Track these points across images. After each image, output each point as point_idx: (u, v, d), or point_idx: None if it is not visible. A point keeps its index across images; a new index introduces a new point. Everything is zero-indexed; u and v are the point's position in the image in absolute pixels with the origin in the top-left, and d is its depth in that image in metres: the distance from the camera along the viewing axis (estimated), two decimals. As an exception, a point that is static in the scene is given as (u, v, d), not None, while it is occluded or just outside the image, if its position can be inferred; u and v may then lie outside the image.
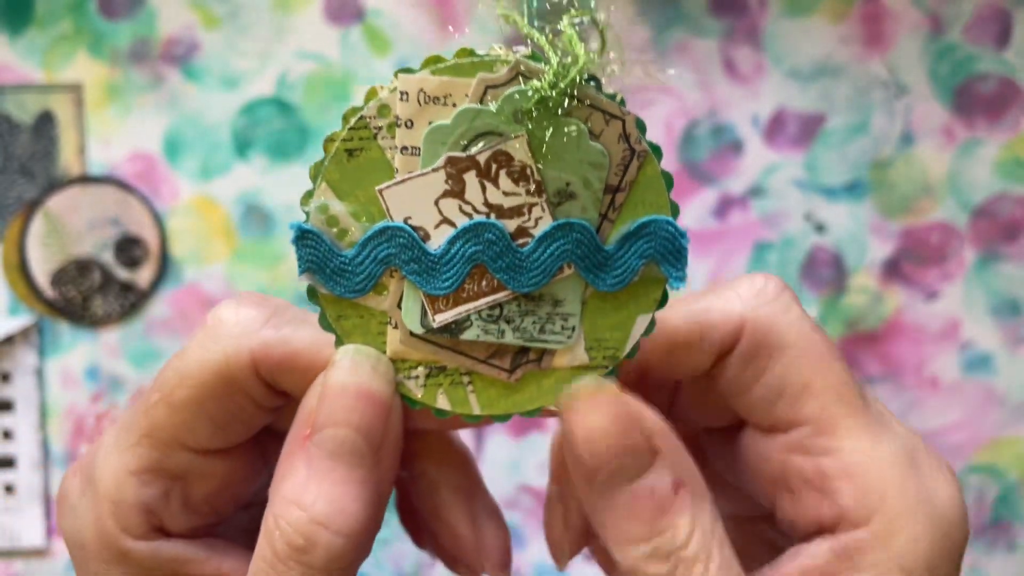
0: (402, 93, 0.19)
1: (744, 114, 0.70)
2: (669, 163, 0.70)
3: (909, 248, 0.70)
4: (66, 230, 0.70)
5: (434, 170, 0.20)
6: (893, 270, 0.70)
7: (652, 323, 0.21)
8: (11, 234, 0.70)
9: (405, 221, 0.20)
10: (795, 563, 0.21)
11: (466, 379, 0.22)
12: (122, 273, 0.70)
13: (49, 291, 0.70)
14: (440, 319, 0.21)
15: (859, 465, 0.21)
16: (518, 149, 0.19)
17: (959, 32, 0.70)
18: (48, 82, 0.70)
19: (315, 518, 0.20)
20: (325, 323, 0.22)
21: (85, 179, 0.70)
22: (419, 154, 0.20)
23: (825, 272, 0.70)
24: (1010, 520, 0.71)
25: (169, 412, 0.23)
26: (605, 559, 0.26)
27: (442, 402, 0.22)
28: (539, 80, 0.19)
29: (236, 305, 0.25)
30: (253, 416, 0.24)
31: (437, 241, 0.21)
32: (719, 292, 0.23)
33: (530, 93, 0.18)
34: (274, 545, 0.20)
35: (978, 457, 0.71)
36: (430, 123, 0.19)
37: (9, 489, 0.70)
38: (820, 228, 0.70)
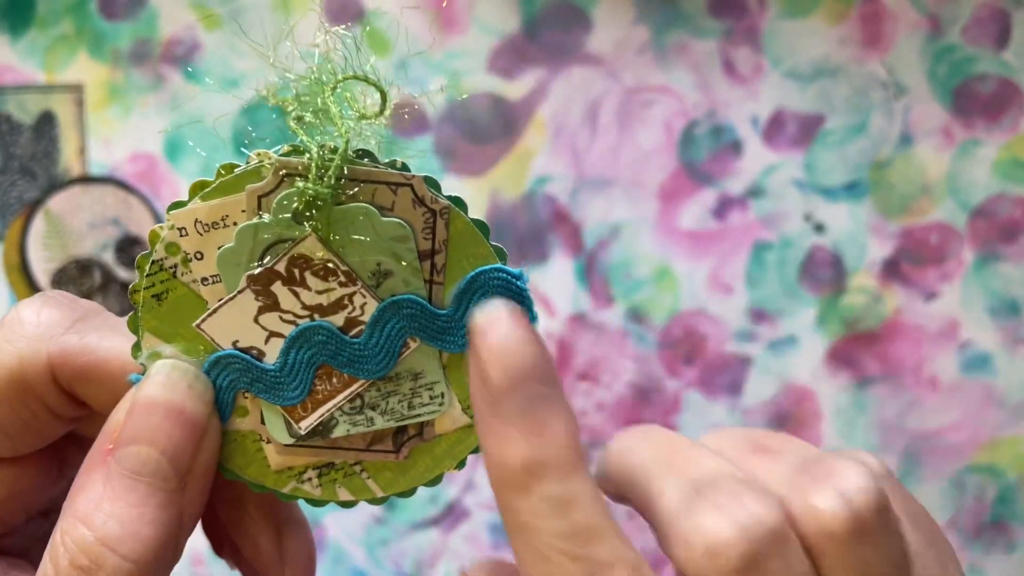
0: (179, 229, 0.19)
1: (743, 115, 0.70)
2: (669, 164, 0.71)
3: (908, 248, 0.71)
4: (67, 230, 0.70)
5: (240, 292, 0.19)
6: (892, 270, 0.71)
7: None
8: (12, 234, 0.70)
9: (234, 345, 0.20)
10: None
11: (358, 468, 0.22)
12: (123, 273, 0.70)
13: (50, 291, 0.70)
14: (305, 425, 0.21)
15: None
16: (311, 248, 0.19)
17: (958, 33, 0.70)
18: (49, 82, 0.70)
19: (104, 539, 0.19)
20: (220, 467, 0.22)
21: (86, 179, 0.70)
22: (220, 280, 0.20)
23: (824, 272, 0.71)
24: (1009, 520, 0.71)
25: None
26: None
27: (343, 495, 0.22)
28: (303, 178, 0.18)
29: (40, 304, 0.23)
30: (48, 425, 0.23)
31: (272, 355, 0.20)
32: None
33: (297, 195, 0.18)
34: (57, 562, 0.19)
35: (977, 457, 0.71)
36: (219, 249, 0.19)
37: None
38: (819, 228, 0.71)
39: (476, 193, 0.71)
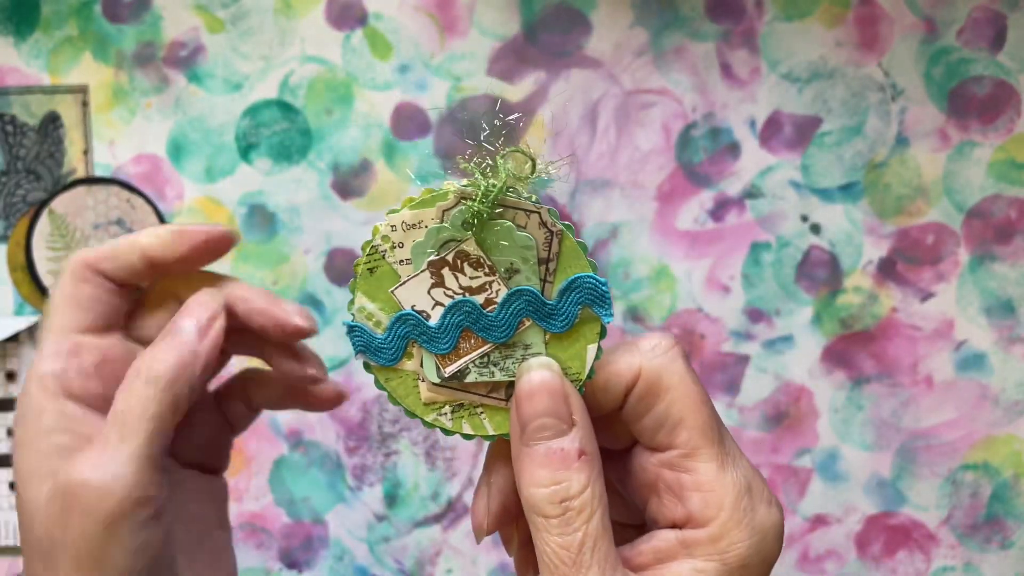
0: (391, 226, 0.28)
1: (741, 117, 0.71)
2: (667, 165, 0.71)
3: (904, 249, 0.71)
4: (71, 231, 0.70)
5: (421, 272, 0.28)
6: (888, 270, 0.71)
7: (599, 350, 0.29)
8: (17, 234, 0.70)
9: (412, 308, 0.29)
10: (650, 544, 0.29)
11: (479, 410, 0.30)
12: (127, 273, 0.70)
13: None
14: (448, 370, 0.30)
15: (708, 484, 0.28)
16: (471, 247, 0.27)
17: (954, 35, 0.70)
18: (54, 84, 0.71)
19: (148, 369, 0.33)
20: (379, 385, 0.30)
21: (90, 180, 0.70)
22: (411, 264, 0.28)
23: (820, 272, 0.71)
24: (1004, 517, 0.72)
25: (61, 313, 0.35)
26: (509, 538, 0.33)
27: (467, 428, 0.30)
28: (472, 200, 0.27)
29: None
30: (102, 296, 0.36)
31: (435, 318, 0.29)
32: (627, 348, 0.30)
33: (466, 211, 0.27)
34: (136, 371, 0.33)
35: (972, 455, 0.71)
36: (413, 242, 0.28)
37: (13, 486, 0.71)
38: (816, 229, 0.71)
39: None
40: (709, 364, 0.71)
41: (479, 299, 0.28)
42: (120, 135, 0.71)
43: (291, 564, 0.72)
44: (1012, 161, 0.70)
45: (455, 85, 0.71)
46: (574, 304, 0.28)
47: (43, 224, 0.70)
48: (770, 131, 0.71)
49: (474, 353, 0.29)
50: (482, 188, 0.27)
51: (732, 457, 0.29)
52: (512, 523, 0.32)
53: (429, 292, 0.29)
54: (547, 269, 0.28)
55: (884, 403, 0.71)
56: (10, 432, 0.71)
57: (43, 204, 0.70)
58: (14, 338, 0.71)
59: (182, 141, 0.71)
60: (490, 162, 0.27)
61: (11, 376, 0.71)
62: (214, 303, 0.35)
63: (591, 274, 0.28)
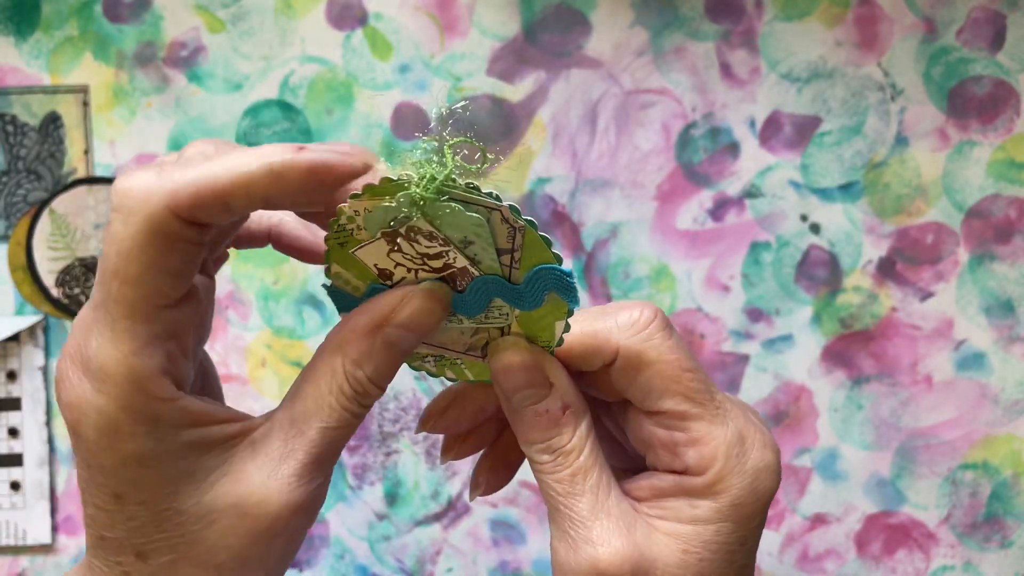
0: (355, 211, 0.29)
1: (740, 116, 0.71)
2: (667, 165, 0.71)
3: (903, 248, 0.71)
4: (72, 230, 0.70)
5: (376, 239, 0.30)
6: (887, 270, 0.71)
7: (567, 325, 0.31)
8: (18, 234, 0.71)
9: (374, 266, 0.31)
10: (649, 481, 0.32)
11: (459, 361, 0.33)
12: (127, 273, 0.70)
13: (55, 291, 0.70)
14: None
15: (701, 439, 0.31)
16: (419, 222, 0.29)
17: (953, 35, 0.70)
18: (54, 84, 0.71)
19: (370, 377, 0.31)
20: None
21: (91, 180, 0.70)
22: (371, 236, 0.30)
23: (820, 272, 0.71)
24: (1003, 516, 0.72)
25: (133, 288, 0.27)
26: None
27: (449, 375, 0.33)
28: (415, 187, 0.28)
29: (129, 176, 0.28)
30: (192, 253, 0.28)
31: (399, 276, 0.31)
32: (606, 317, 0.32)
33: (408, 195, 0.28)
34: (331, 383, 0.30)
35: (971, 455, 0.71)
36: (371, 218, 0.30)
37: (15, 486, 0.71)
38: (815, 229, 0.71)
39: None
40: (709, 364, 0.71)
41: (436, 263, 0.30)
42: (121, 135, 0.71)
43: (292, 563, 0.72)
44: (1011, 161, 0.70)
45: (455, 85, 0.71)
46: (540, 291, 0.30)
47: (44, 224, 0.70)
48: (770, 131, 0.71)
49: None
50: (427, 175, 0.28)
51: (723, 411, 0.31)
52: (454, 438, 0.35)
53: (388, 255, 0.30)
54: (512, 258, 0.30)
55: (884, 403, 0.71)
56: (12, 432, 0.71)
57: (44, 204, 0.70)
58: (15, 338, 0.71)
59: (183, 141, 0.71)
60: (438, 153, 0.28)
61: (11, 376, 0.71)
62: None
63: (555, 265, 0.30)
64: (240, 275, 0.71)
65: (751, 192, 0.71)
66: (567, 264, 0.30)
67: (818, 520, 0.72)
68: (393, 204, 0.28)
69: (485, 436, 0.35)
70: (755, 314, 0.71)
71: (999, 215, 0.71)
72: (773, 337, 0.71)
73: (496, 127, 0.71)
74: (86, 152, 0.71)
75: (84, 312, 0.29)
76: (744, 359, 0.71)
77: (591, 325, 0.32)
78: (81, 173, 0.71)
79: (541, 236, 0.29)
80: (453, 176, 0.28)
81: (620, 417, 0.34)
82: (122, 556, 0.29)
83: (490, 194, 0.28)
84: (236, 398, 0.71)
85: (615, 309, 0.32)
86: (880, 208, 0.71)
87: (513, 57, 0.71)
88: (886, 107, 0.71)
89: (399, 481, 0.72)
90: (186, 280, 0.28)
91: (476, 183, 0.28)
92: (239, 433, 0.29)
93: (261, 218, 0.34)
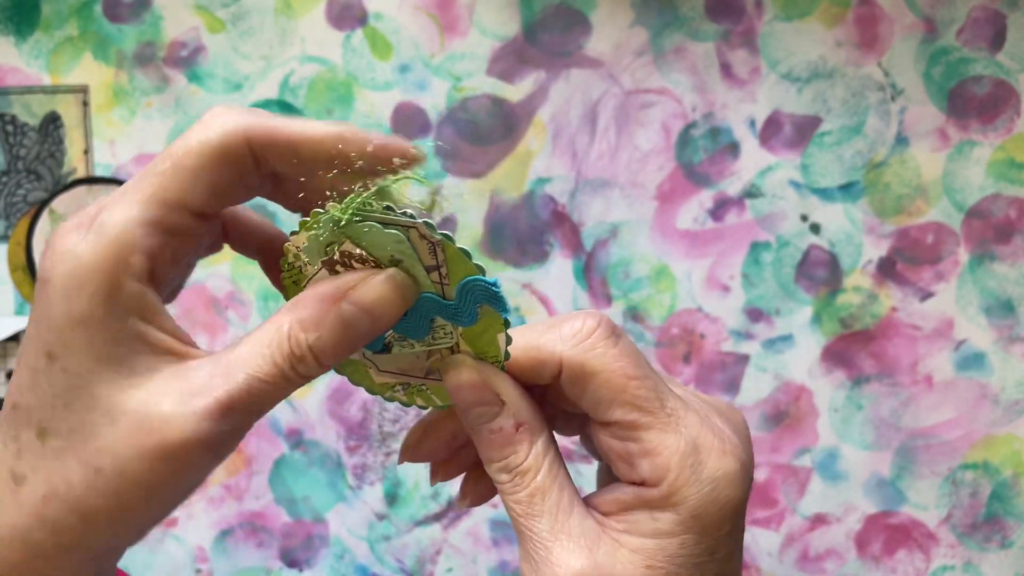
0: (296, 247, 0.31)
1: (740, 116, 0.71)
2: (667, 165, 0.71)
3: (903, 248, 0.71)
4: (72, 230, 0.70)
5: (319, 270, 0.31)
6: (888, 270, 0.71)
7: (508, 338, 0.31)
8: (17, 234, 0.71)
9: None
10: (613, 494, 0.32)
11: (425, 387, 0.33)
12: (127, 273, 0.70)
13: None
14: (379, 356, 0.33)
15: (654, 449, 0.30)
16: (349, 246, 0.30)
17: (953, 35, 0.70)
18: (54, 84, 0.71)
19: (314, 348, 0.30)
20: (337, 370, 0.33)
21: (91, 180, 0.70)
22: (315, 268, 0.31)
23: (820, 272, 0.71)
24: (1003, 516, 0.72)
25: (176, 176, 0.29)
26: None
27: (419, 402, 0.34)
28: (334, 210, 0.30)
29: (227, 107, 0.30)
30: (239, 189, 0.30)
31: None
32: (551, 330, 0.32)
33: (328, 218, 0.30)
34: (279, 345, 0.30)
35: (971, 454, 0.71)
36: (309, 250, 0.31)
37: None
38: (815, 229, 0.71)
39: (477, 194, 0.71)
40: (709, 364, 0.71)
41: None
42: (121, 135, 0.71)
43: (292, 563, 0.72)
44: (1011, 161, 0.70)
45: (455, 85, 0.71)
46: (471, 303, 0.31)
47: (44, 224, 0.70)
48: (770, 131, 0.71)
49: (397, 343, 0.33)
50: (346, 201, 0.29)
51: (675, 418, 0.31)
52: (437, 463, 0.35)
53: None
54: (440, 274, 0.30)
55: (884, 403, 0.71)
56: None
57: (44, 204, 0.70)
58: (14, 338, 0.71)
59: (182, 141, 0.71)
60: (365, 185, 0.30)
61: (11, 376, 0.71)
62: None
63: (480, 276, 0.30)
64: (240, 275, 0.71)
65: (751, 192, 0.71)
66: (492, 275, 0.31)
67: (818, 520, 0.72)
68: (320, 229, 0.30)
69: (468, 456, 0.35)
70: (755, 314, 0.71)
71: (999, 215, 0.71)
72: (773, 337, 0.71)
73: (496, 127, 0.71)
74: (86, 152, 0.71)
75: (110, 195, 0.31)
76: (744, 359, 0.71)
77: (537, 338, 0.32)
78: (81, 173, 0.71)
79: (460, 249, 0.30)
80: (370, 200, 0.29)
81: (589, 430, 0.34)
82: (24, 431, 0.29)
83: (404, 213, 0.29)
84: (236, 398, 0.72)
85: (560, 320, 0.32)
86: (880, 208, 0.71)
87: (513, 57, 0.71)
88: (886, 107, 0.71)
89: (399, 481, 0.72)
90: (217, 204, 0.30)
91: (392, 204, 0.29)
92: (178, 353, 0.30)
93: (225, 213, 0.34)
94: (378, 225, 0.29)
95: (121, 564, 0.72)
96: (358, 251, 0.30)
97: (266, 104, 0.71)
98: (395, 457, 0.72)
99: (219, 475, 0.71)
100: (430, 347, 0.32)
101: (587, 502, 0.32)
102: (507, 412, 0.31)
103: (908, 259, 0.71)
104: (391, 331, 0.32)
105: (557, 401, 0.33)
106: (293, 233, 0.31)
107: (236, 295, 0.71)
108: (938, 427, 0.71)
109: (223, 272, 0.71)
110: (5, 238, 0.71)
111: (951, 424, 0.71)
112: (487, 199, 0.71)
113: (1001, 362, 0.71)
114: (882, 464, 0.72)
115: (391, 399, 0.34)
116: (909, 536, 0.72)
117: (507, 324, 0.31)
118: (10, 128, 0.71)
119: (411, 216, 0.29)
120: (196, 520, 0.71)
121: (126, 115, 0.71)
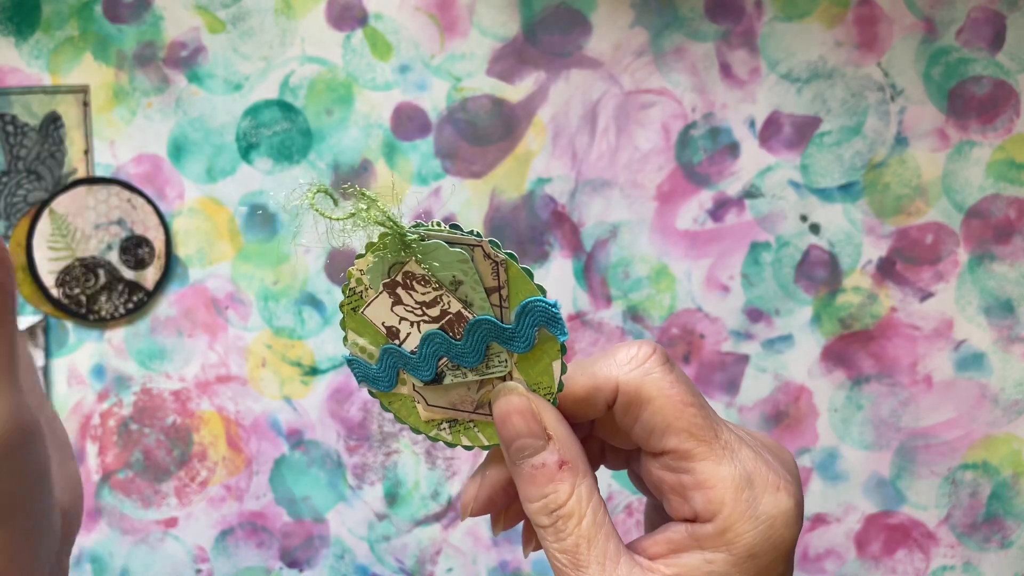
0: (360, 270, 0.31)
1: (740, 117, 0.71)
2: (667, 165, 0.71)
3: (903, 248, 0.71)
4: (72, 231, 0.71)
5: (379, 293, 0.31)
6: (887, 270, 0.71)
7: (564, 365, 0.31)
8: (18, 234, 0.71)
9: (382, 324, 0.32)
10: (664, 535, 0.31)
11: (472, 425, 0.33)
12: (127, 273, 0.71)
13: (55, 291, 0.70)
14: (430, 386, 0.33)
15: (707, 481, 0.30)
16: (413, 266, 0.30)
17: (953, 35, 0.70)
18: (54, 84, 0.71)
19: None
20: (384, 408, 0.33)
21: (91, 180, 0.70)
22: (375, 292, 0.31)
23: (820, 272, 0.71)
24: (1003, 516, 0.72)
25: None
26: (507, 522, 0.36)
27: (465, 441, 0.33)
28: (404, 231, 0.30)
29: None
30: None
31: (405, 333, 0.32)
32: (606, 359, 0.32)
33: (396, 237, 0.30)
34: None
35: (971, 455, 0.71)
36: (373, 272, 0.31)
37: None
38: (815, 229, 0.71)
39: (477, 194, 0.71)
40: (709, 364, 0.72)
41: (433, 312, 0.31)
42: (121, 135, 0.71)
43: (292, 563, 0.72)
44: (1011, 161, 0.71)
45: (455, 85, 0.71)
46: (530, 326, 0.30)
47: (44, 224, 0.70)
48: (769, 131, 0.71)
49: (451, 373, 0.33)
50: (381, 218, 0.30)
51: (730, 450, 0.30)
52: (498, 511, 0.35)
53: (392, 309, 0.31)
54: (500, 296, 0.30)
55: (883, 403, 0.71)
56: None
57: (44, 204, 0.70)
58: (15, 338, 0.71)
59: (183, 141, 0.71)
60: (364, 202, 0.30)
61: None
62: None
63: (540, 298, 0.30)
64: (240, 275, 0.71)
65: (751, 192, 0.71)
66: (551, 297, 0.31)
67: (818, 520, 0.72)
68: (387, 250, 0.30)
69: None
70: (755, 314, 0.71)
71: (999, 215, 0.71)
72: (773, 337, 0.71)
73: (496, 127, 0.71)
74: (86, 152, 0.71)
75: None
76: (744, 359, 0.71)
77: (590, 368, 0.31)
78: (81, 173, 0.71)
79: (523, 268, 0.30)
80: (438, 222, 0.30)
81: (637, 467, 0.33)
82: None
83: (471, 232, 0.30)
84: (236, 398, 0.72)
85: (613, 350, 0.32)
86: (880, 208, 0.71)
87: (513, 57, 0.71)
88: (886, 107, 0.71)
89: (399, 481, 0.72)
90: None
91: (459, 224, 0.30)
92: None
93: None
94: (444, 244, 0.30)
95: (121, 564, 0.72)
96: (420, 272, 0.30)
97: (266, 105, 0.71)
98: (395, 457, 0.72)
99: (219, 475, 0.71)
100: (483, 376, 0.31)
101: (635, 547, 0.31)
102: (552, 447, 0.30)
103: (908, 259, 0.71)
104: (445, 358, 0.32)
105: (607, 435, 0.33)
106: (359, 257, 0.31)
107: (236, 295, 0.71)
108: (938, 427, 0.71)
109: (223, 272, 0.71)
110: (5, 238, 0.71)
111: (951, 424, 0.71)
112: (487, 199, 0.71)
113: (1001, 362, 0.71)
114: (882, 464, 0.72)
115: (436, 439, 0.33)
116: (909, 536, 0.72)
117: (563, 351, 0.30)
118: (10, 128, 0.71)
119: (477, 235, 0.30)
120: (196, 520, 0.71)
121: (126, 115, 0.71)
